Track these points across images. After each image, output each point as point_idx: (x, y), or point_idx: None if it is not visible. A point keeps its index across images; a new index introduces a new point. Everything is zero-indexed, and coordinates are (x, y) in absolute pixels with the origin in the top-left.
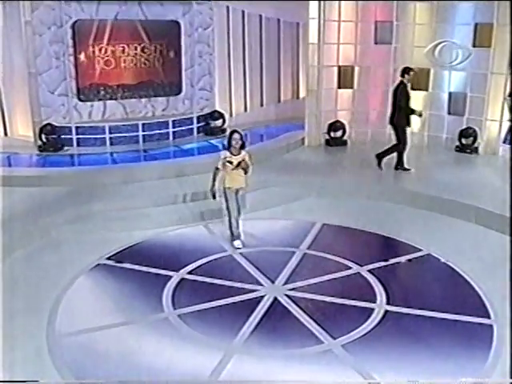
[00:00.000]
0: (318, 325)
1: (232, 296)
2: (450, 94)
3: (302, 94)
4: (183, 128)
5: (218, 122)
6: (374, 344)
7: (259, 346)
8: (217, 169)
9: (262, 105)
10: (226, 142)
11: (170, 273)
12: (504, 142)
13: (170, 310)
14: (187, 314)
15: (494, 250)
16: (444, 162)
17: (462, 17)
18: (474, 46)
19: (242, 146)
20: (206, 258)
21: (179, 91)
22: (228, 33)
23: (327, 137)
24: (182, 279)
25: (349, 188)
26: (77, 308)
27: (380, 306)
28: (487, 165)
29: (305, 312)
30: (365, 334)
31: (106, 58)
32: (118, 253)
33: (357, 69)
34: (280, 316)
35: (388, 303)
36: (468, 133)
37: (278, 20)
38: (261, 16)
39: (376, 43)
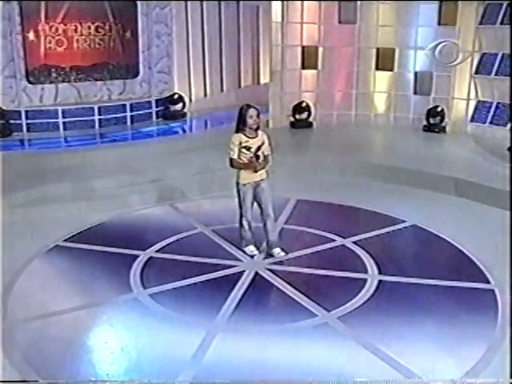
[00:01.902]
0: (309, 298)
1: (208, 273)
2: (415, 73)
3: (262, 79)
4: (141, 112)
5: (178, 106)
6: (373, 314)
7: (246, 323)
8: (232, 160)
9: (222, 90)
10: (235, 122)
11: (136, 252)
12: (471, 121)
13: (139, 289)
14: (159, 293)
15: (480, 219)
16: (414, 140)
17: None
18: (439, 24)
19: (258, 127)
20: (175, 236)
21: (136, 74)
22: (186, 13)
23: (292, 119)
24: (150, 258)
25: (320, 166)
26: (32, 292)
27: (372, 276)
28: (458, 142)
29: (292, 286)
30: (361, 305)
31: (58, 38)
32: (76, 234)
33: (321, 49)
34: (265, 291)
35: (380, 273)
36: (436, 111)
37: (238, 2)
38: None
39: (340, 23)
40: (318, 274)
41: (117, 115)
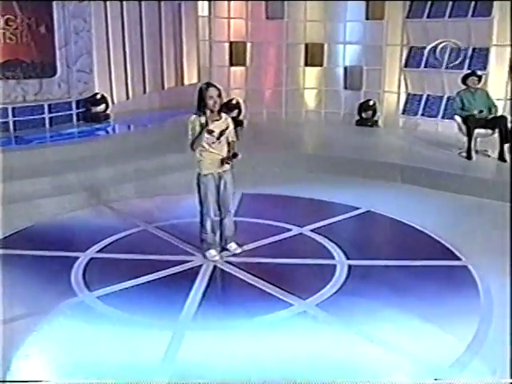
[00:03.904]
0: (279, 288)
1: (161, 269)
2: (345, 68)
3: (187, 80)
4: (61, 114)
5: (100, 108)
6: (353, 299)
7: (215, 318)
8: (193, 143)
9: (144, 92)
10: (195, 103)
11: (75, 254)
12: (403, 113)
13: (84, 292)
14: (109, 295)
15: (432, 203)
16: (350, 133)
17: None
18: (366, 18)
19: (221, 108)
20: (116, 236)
21: (54, 73)
22: (105, 9)
23: None
24: (92, 259)
25: (259, 160)
26: None
27: (341, 261)
28: (393, 134)
29: (257, 277)
30: (337, 291)
31: None
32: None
33: (249, 45)
34: (229, 284)
35: (348, 258)
36: (368, 105)
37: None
38: None
39: (268, 18)
40: (283, 263)
41: (34, 117)
